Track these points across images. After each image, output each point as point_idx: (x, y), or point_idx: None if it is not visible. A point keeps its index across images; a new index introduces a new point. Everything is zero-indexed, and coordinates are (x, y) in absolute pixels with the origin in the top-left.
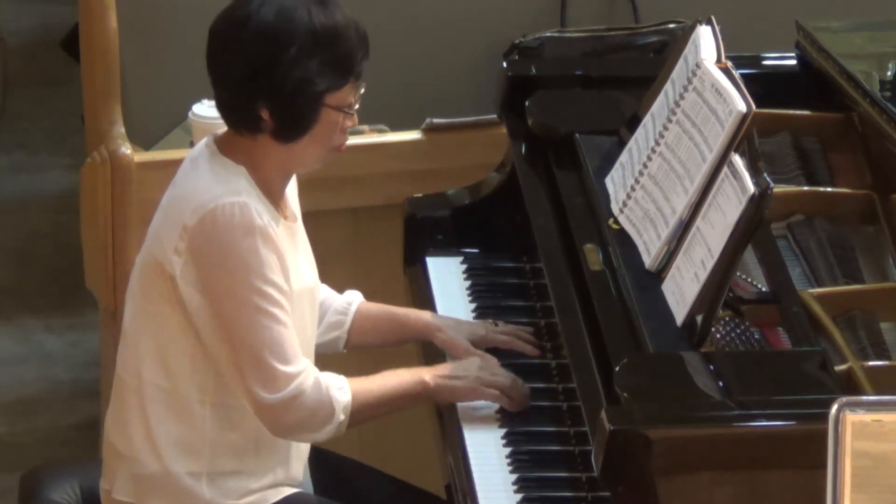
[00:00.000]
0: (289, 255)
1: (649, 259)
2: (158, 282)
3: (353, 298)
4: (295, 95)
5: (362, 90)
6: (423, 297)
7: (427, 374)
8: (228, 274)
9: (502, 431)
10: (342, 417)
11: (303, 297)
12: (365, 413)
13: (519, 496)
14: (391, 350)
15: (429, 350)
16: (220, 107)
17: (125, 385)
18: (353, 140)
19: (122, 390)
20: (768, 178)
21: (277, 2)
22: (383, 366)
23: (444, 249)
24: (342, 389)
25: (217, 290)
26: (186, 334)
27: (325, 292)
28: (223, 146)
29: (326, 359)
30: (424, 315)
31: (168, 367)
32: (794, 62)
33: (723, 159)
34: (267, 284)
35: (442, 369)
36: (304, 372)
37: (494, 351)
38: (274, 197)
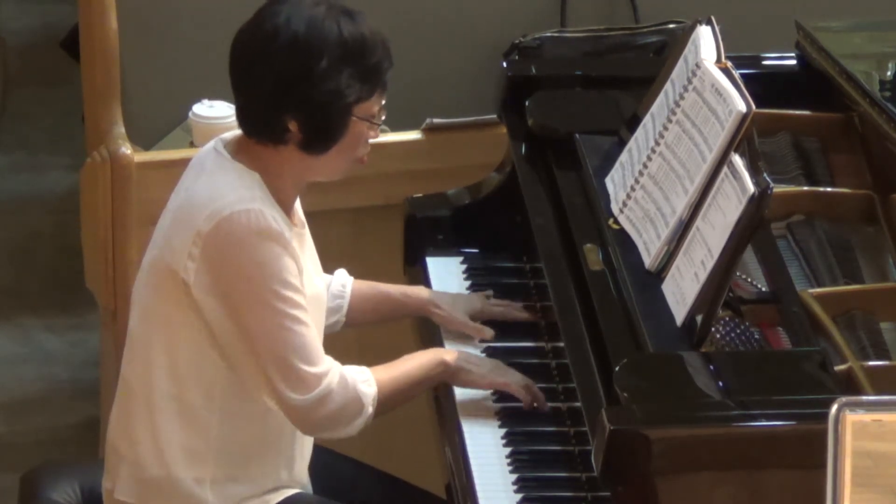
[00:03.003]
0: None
1: (649, 259)
2: (170, 287)
3: (346, 280)
4: (325, 107)
5: (384, 101)
6: None
7: (447, 355)
8: (248, 281)
9: (502, 431)
10: (370, 410)
11: (312, 303)
12: (391, 401)
13: (519, 496)
14: (389, 342)
15: (425, 331)
16: (243, 118)
17: (132, 391)
18: None
19: (128, 395)
20: (768, 178)
21: (305, 14)
22: (382, 353)
23: (444, 249)
24: (367, 382)
25: (237, 296)
26: (196, 340)
27: None
28: (236, 151)
29: (333, 346)
30: (421, 291)
31: (177, 373)
32: (794, 62)
33: (723, 159)
34: (287, 288)
35: (462, 353)
36: (331, 371)
37: (491, 324)
38: (286, 205)
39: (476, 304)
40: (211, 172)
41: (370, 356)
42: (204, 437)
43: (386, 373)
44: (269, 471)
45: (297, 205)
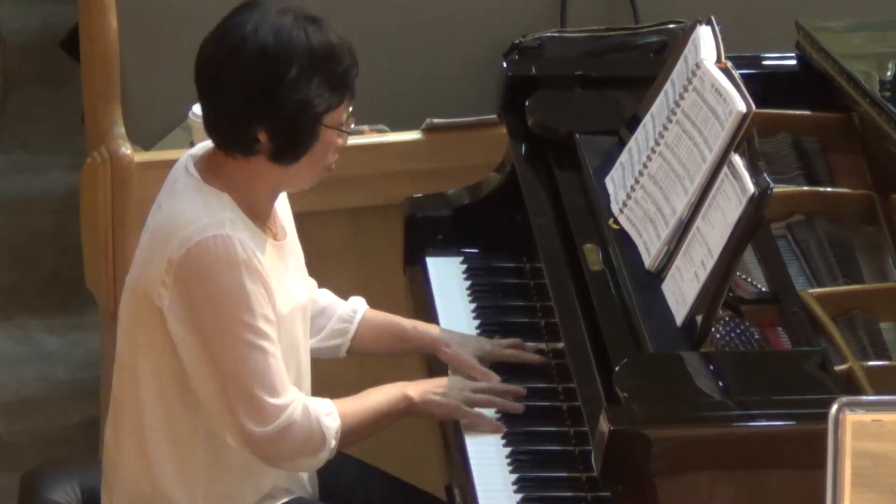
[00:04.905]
0: (278, 276)
1: (649, 259)
2: (147, 312)
3: (359, 306)
4: (295, 117)
5: (351, 108)
6: (422, 297)
7: (411, 390)
8: (215, 309)
9: (502, 431)
10: (333, 444)
11: (294, 316)
12: (355, 434)
13: (519, 496)
14: (393, 361)
15: (434, 363)
16: (212, 130)
17: (122, 411)
18: (353, 140)
19: (118, 415)
20: (768, 178)
21: (272, 23)
22: (384, 367)
23: (444, 249)
24: (331, 416)
25: (204, 324)
26: (177, 364)
27: (329, 298)
28: (206, 171)
29: (324, 368)
30: (431, 329)
31: (163, 394)
32: (794, 62)
33: (723, 159)
34: (254, 318)
35: (426, 384)
36: (293, 402)
37: (499, 366)
38: (261, 218)
39: (485, 346)
40: (181, 195)
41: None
42: (193, 457)
43: (350, 406)
44: (264, 483)
45: (283, 212)
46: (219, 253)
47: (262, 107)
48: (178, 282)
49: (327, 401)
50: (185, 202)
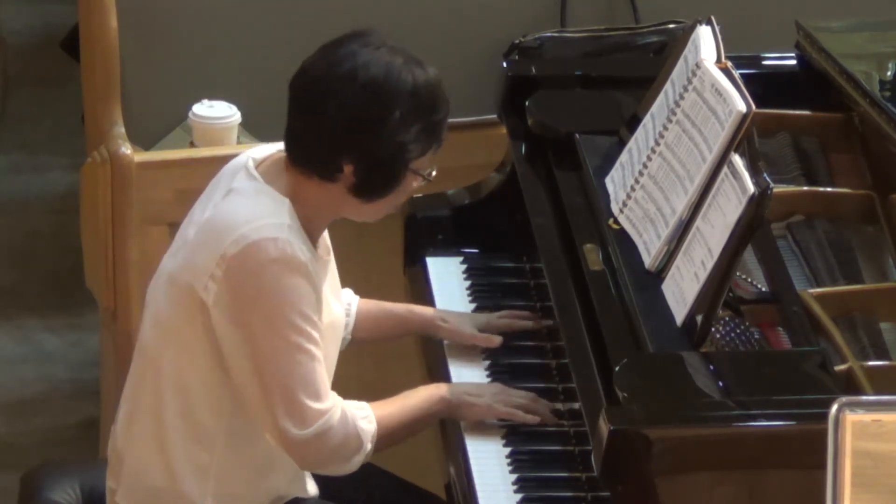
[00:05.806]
0: (321, 291)
1: (649, 259)
2: (187, 304)
3: (351, 299)
4: (387, 160)
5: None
6: (423, 297)
7: (446, 391)
8: (267, 309)
9: (502, 431)
10: (369, 448)
11: (329, 330)
12: (390, 438)
13: (519, 496)
14: (391, 348)
15: (428, 345)
16: (296, 147)
17: (140, 400)
18: None
19: (134, 404)
20: (768, 178)
21: (384, 61)
22: (384, 366)
23: (444, 249)
24: (367, 419)
25: (253, 323)
26: (207, 359)
27: None
28: (269, 173)
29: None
30: (426, 310)
31: (187, 389)
32: (794, 62)
33: (723, 159)
34: (304, 321)
35: (462, 386)
36: (333, 407)
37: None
38: (314, 234)
39: (481, 319)
40: (242, 194)
41: (375, 392)
42: (209, 454)
43: (386, 409)
44: (273, 485)
45: (324, 231)
46: (277, 254)
47: (357, 142)
48: (230, 278)
49: (364, 404)
50: (248, 201)
